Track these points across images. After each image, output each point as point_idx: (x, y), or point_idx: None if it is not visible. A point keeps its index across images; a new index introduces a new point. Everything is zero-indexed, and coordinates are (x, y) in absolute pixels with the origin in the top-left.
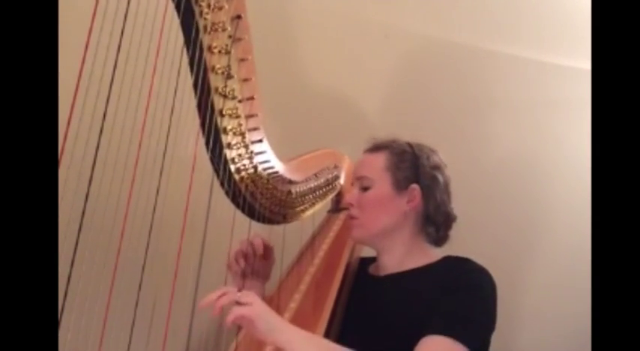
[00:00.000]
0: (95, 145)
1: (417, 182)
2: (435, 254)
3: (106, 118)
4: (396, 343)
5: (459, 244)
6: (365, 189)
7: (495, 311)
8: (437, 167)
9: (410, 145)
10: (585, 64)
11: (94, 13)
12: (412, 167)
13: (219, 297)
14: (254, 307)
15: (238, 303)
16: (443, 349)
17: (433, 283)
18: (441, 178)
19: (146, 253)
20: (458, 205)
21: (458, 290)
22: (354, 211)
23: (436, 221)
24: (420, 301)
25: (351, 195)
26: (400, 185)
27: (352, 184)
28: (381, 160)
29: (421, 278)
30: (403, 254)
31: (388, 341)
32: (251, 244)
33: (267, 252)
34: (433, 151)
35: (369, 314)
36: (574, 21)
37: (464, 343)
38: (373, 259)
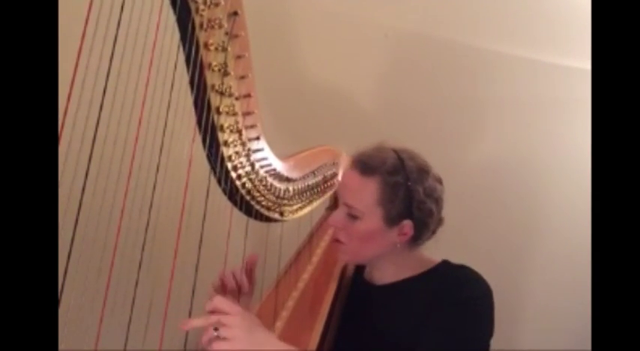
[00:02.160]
0: (91, 142)
1: (411, 216)
2: (430, 260)
3: (102, 115)
4: None
5: (460, 243)
6: (353, 217)
7: (492, 321)
8: (431, 195)
9: (403, 167)
10: (585, 64)
11: (89, 9)
12: (405, 201)
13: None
14: (234, 341)
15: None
16: None
17: (428, 294)
18: (434, 208)
19: (142, 251)
20: (459, 205)
21: (452, 303)
22: (340, 236)
23: (426, 239)
24: (415, 312)
25: (337, 218)
26: (393, 221)
27: (337, 204)
28: (372, 190)
29: (416, 288)
30: (394, 270)
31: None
32: (233, 278)
33: (250, 276)
34: (426, 171)
35: (363, 322)
36: (574, 21)
37: None
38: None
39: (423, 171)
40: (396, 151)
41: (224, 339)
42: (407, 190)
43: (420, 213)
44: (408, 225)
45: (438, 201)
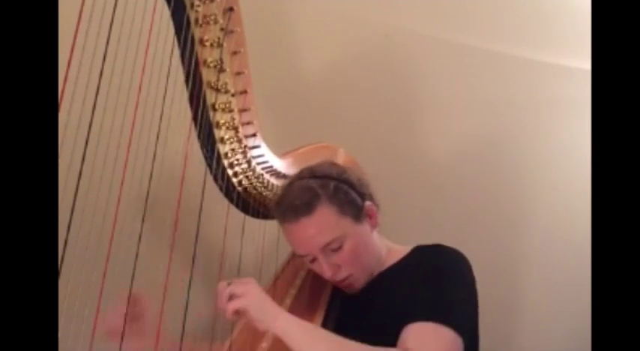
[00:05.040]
0: (84, 139)
1: (363, 198)
2: (402, 248)
3: (96, 112)
4: (385, 339)
5: (457, 244)
6: (338, 249)
7: (474, 288)
8: (355, 172)
9: (325, 176)
10: (585, 64)
11: (82, 5)
12: (350, 191)
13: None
14: (246, 298)
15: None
16: (426, 334)
17: (408, 275)
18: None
19: (138, 249)
20: (455, 204)
21: (432, 276)
22: (342, 274)
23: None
24: (400, 296)
25: (329, 265)
26: (359, 215)
27: (312, 257)
28: (327, 214)
29: (397, 274)
30: (375, 263)
31: (377, 339)
32: None
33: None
34: (334, 166)
35: (355, 322)
36: (574, 21)
37: (446, 325)
38: None
39: (330, 165)
40: (299, 173)
41: (238, 297)
42: (342, 183)
43: (365, 191)
44: (369, 206)
45: (361, 173)
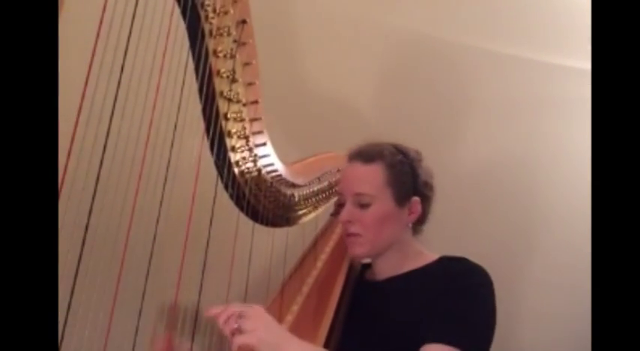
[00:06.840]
0: (101, 149)
1: (416, 193)
2: (430, 255)
3: (112, 122)
4: (398, 347)
5: (458, 244)
6: (364, 205)
7: (494, 308)
8: (431, 175)
9: (402, 152)
10: (585, 64)
11: (102, 16)
12: (411, 179)
13: (224, 322)
14: (255, 333)
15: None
16: None
17: (431, 285)
18: (432, 184)
19: (151, 256)
20: (456, 206)
21: (455, 292)
22: (353, 229)
23: (425, 222)
24: (419, 304)
25: (348, 212)
26: (402, 200)
27: (344, 200)
28: (379, 174)
29: (419, 280)
30: (399, 258)
31: (390, 345)
32: None
33: None
34: (420, 155)
35: (369, 319)
36: (574, 21)
37: (463, 349)
38: (369, 265)
39: (417, 152)
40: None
41: (244, 332)
42: (410, 167)
43: (425, 189)
44: (416, 201)
45: (432, 179)
